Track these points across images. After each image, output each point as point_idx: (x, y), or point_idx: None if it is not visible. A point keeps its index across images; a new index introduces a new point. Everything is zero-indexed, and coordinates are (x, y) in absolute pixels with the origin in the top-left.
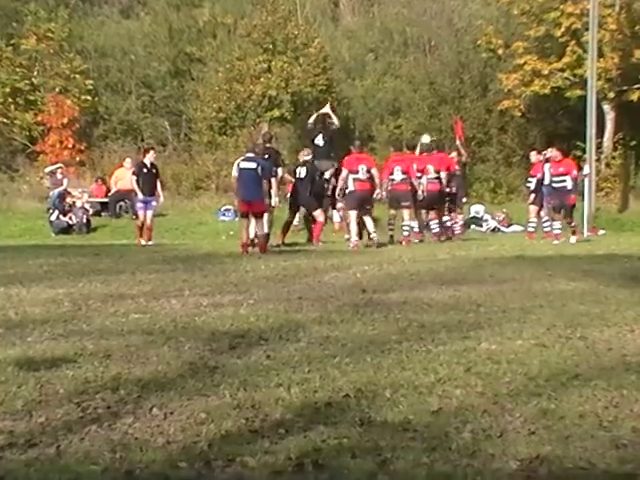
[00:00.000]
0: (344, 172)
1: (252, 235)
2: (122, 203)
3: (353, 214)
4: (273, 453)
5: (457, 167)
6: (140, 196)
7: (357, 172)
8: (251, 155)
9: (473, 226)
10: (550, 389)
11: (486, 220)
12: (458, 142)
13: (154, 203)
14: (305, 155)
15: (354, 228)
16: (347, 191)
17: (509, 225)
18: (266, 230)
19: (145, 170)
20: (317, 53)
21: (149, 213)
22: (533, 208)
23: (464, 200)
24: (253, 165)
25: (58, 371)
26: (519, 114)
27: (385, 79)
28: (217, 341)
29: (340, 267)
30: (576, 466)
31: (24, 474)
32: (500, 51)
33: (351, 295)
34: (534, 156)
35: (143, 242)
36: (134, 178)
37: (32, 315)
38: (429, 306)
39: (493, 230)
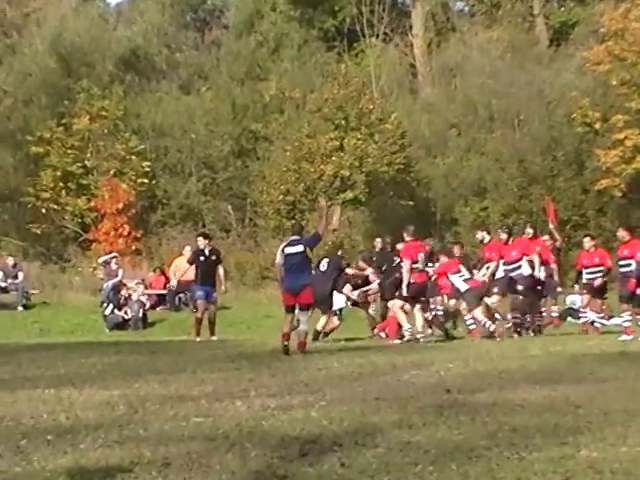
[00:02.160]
0: (406, 262)
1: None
2: (182, 295)
3: (399, 303)
4: None
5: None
6: (197, 286)
7: (417, 262)
8: (296, 238)
9: (569, 318)
10: None
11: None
12: (551, 225)
13: (215, 294)
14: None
15: (404, 317)
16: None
17: (610, 317)
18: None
19: (202, 258)
20: (394, 129)
21: (212, 306)
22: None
23: (559, 290)
24: (300, 248)
25: None
26: (619, 194)
27: (469, 156)
28: (286, 447)
29: (421, 364)
30: None
31: None
32: (597, 125)
33: (434, 395)
34: (588, 243)
35: (198, 339)
36: (193, 267)
37: (85, 419)
38: (521, 407)
39: (592, 323)
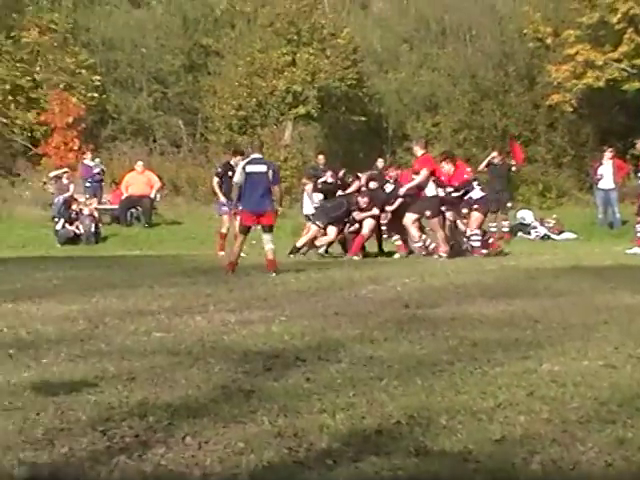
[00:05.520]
0: (425, 172)
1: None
2: (133, 210)
3: (435, 221)
4: None
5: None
6: (222, 199)
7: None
8: (259, 156)
9: (520, 233)
10: (625, 415)
11: (534, 227)
12: (514, 168)
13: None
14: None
15: (441, 235)
16: (429, 195)
17: (560, 232)
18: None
19: (231, 173)
20: (346, 44)
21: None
22: None
23: (509, 205)
24: (263, 168)
25: (79, 396)
26: (570, 109)
27: (421, 72)
28: (250, 362)
29: (378, 279)
30: None
31: None
32: (549, 40)
33: (393, 310)
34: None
35: (222, 253)
36: (216, 180)
37: (45, 334)
38: (480, 322)
39: (542, 238)
